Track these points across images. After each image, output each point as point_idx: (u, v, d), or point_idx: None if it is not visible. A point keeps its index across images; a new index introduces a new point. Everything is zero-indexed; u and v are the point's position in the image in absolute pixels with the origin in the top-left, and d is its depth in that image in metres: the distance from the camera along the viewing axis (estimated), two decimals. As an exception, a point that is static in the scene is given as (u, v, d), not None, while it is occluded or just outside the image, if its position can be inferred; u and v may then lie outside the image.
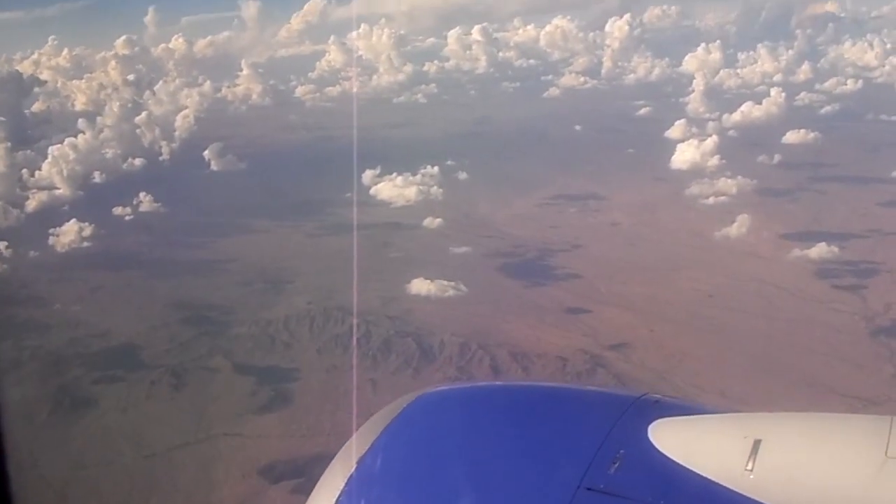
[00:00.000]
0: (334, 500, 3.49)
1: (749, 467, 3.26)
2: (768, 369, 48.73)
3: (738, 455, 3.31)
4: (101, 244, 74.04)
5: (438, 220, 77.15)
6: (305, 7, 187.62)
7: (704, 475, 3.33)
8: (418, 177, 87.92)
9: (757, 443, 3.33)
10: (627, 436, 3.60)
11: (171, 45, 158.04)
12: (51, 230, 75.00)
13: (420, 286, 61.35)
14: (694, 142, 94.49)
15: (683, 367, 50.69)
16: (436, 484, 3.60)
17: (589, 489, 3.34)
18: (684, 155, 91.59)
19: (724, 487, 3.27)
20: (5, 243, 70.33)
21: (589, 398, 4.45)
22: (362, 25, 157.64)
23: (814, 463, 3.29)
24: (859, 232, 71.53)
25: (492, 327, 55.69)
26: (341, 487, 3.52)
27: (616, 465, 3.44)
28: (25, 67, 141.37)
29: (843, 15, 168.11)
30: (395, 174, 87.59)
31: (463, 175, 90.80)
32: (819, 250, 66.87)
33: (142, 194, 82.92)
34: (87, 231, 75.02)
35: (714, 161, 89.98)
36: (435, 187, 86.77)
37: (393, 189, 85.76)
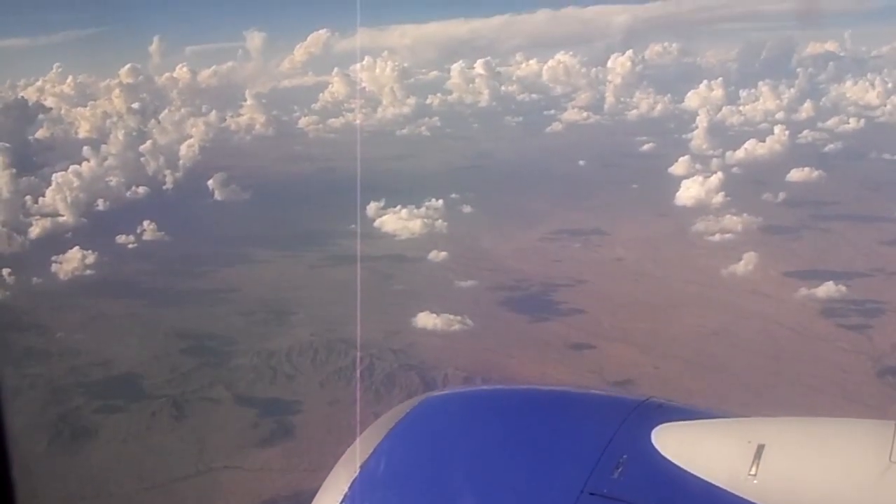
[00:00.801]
0: (338, 503, 3.51)
1: (752, 472, 3.28)
2: (774, 408, 48.26)
3: (742, 460, 3.33)
4: (103, 272, 73.85)
5: (444, 254, 77.01)
6: (308, 38, 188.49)
7: (708, 480, 3.35)
8: (423, 209, 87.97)
9: (760, 448, 3.34)
10: (631, 440, 3.61)
11: (175, 75, 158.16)
12: (54, 257, 74.91)
13: (426, 320, 61.13)
14: (699, 178, 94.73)
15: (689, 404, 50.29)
16: (439, 488, 3.64)
17: (592, 494, 3.36)
18: (689, 191, 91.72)
19: (728, 492, 3.28)
20: (9, 270, 70.37)
21: (592, 402, 4.50)
22: (365, 58, 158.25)
23: (817, 468, 3.31)
24: (864, 271, 71.40)
25: (496, 362, 55.32)
26: (345, 491, 3.54)
27: (619, 469, 3.46)
28: (30, 94, 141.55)
29: (843, 54, 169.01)
30: (399, 206, 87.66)
31: (468, 208, 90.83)
32: (826, 289, 66.62)
33: (145, 223, 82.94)
34: (90, 259, 74.92)
35: (719, 198, 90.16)
36: (440, 220, 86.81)
37: (398, 221, 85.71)
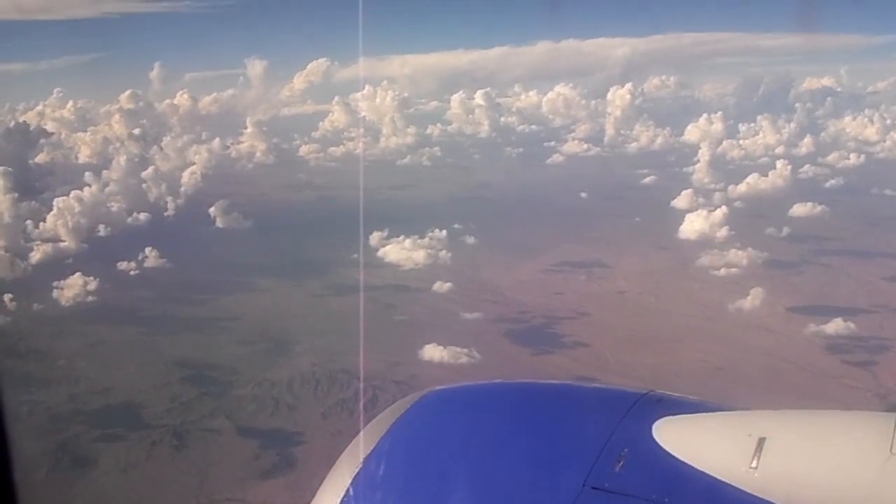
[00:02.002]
0: (340, 497, 3.54)
1: (754, 465, 3.32)
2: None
3: (743, 453, 3.37)
4: (105, 298, 73.37)
5: (448, 285, 76.56)
6: (308, 67, 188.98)
7: (709, 473, 3.38)
8: (426, 240, 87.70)
9: (761, 440, 3.38)
10: (632, 434, 3.65)
11: (175, 101, 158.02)
12: (55, 283, 74.35)
13: (433, 352, 60.49)
14: (703, 212, 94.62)
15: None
16: (441, 482, 3.67)
17: (594, 488, 3.39)
18: (693, 225, 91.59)
19: (729, 485, 3.32)
20: (10, 295, 69.84)
21: (593, 396, 4.54)
22: (366, 87, 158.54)
23: (818, 460, 3.35)
24: (867, 307, 71.09)
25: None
26: (347, 485, 3.58)
27: (620, 463, 3.49)
28: (30, 118, 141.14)
29: (839, 90, 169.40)
30: (402, 237, 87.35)
31: (471, 239, 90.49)
32: (832, 325, 66.37)
33: (147, 249, 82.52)
34: (92, 285, 74.41)
35: (723, 232, 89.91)
36: (444, 251, 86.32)
37: (401, 251, 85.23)
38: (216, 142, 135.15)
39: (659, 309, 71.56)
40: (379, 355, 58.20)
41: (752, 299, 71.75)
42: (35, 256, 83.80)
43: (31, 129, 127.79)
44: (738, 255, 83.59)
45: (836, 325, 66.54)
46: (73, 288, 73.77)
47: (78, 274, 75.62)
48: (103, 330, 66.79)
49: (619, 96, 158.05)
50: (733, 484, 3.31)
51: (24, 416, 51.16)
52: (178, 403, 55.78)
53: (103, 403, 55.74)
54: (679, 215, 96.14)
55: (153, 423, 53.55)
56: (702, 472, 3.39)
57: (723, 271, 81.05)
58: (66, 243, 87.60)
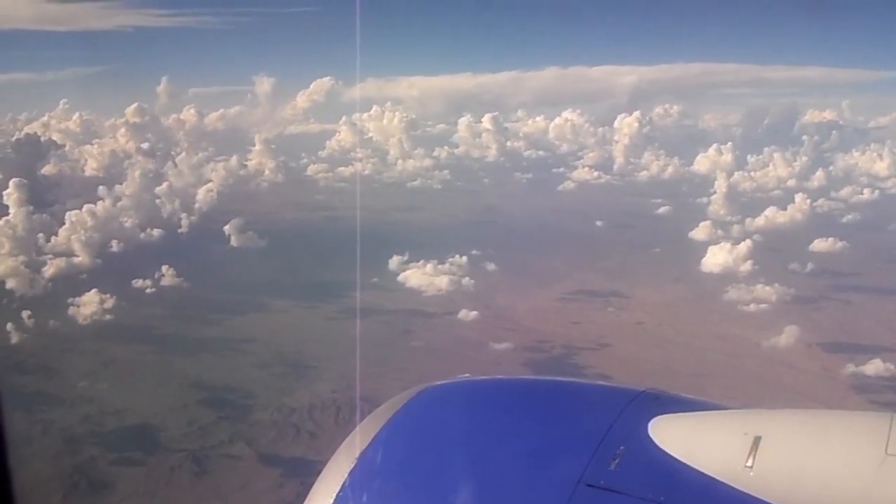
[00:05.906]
0: (335, 494, 3.49)
1: (749, 464, 3.30)
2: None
3: (739, 451, 3.35)
4: (121, 316, 72.47)
5: (474, 313, 75.59)
6: (312, 85, 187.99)
7: (704, 472, 3.37)
8: (446, 265, 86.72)
9: (757, 439, 3.35)
10: (628, 432, 3.65)
11: (181, 117, 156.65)
12: (70, 300, 73.50)
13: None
14: (726, 245, 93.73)
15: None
16: (436, 478, 3.66)
17: (589, 485, 3.37)
18: (716, 258, 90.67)
19: (725, 484, 3.30)
20: (28, 312, 68.77)
21: (590, 393, 4.56)
22: (373, 107, 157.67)
23: (814, 460, 3.33)
24: (890, 345, 70.29)
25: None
26: (342, 482, 3.53)
27: (616, 461, 3.49)
28: (35, 129, 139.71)
29: (841, 123, 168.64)
30: (422, 261, 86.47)
31: (491, 266, 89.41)
32: (873, 366, 65.44)
33: (164, 268, 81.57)
34: (109, 303, 73.44)
35: (747, 266, 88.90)
36: (466, 277, 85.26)
37: (423, 277, 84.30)
38: (234, 159, 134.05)
39: (687, 343, 70.68)
40: (399, 382, 56.99)
41: (787, 336, 70.85)
42: (49, 271, 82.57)
43: (42, 140, 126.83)
44: (767, 291, 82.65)
45: (873, 366, 65.51)
46: (89, 305, 72.87)
47: (94, 291, 74.77)
48: (118, 348, 65.97)
49: (626, 124, 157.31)
50: (729, 482, 3.31)
51: (38, 436, 50.36)
52: (196, 427, 54.95)
53: (119, 425, 54.92)
54: (698, 247, 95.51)
55: (171, 447, 52.71)
56: (697, 471, 3.39)
57: (752, 307, 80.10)
58: (79, 258, 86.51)
